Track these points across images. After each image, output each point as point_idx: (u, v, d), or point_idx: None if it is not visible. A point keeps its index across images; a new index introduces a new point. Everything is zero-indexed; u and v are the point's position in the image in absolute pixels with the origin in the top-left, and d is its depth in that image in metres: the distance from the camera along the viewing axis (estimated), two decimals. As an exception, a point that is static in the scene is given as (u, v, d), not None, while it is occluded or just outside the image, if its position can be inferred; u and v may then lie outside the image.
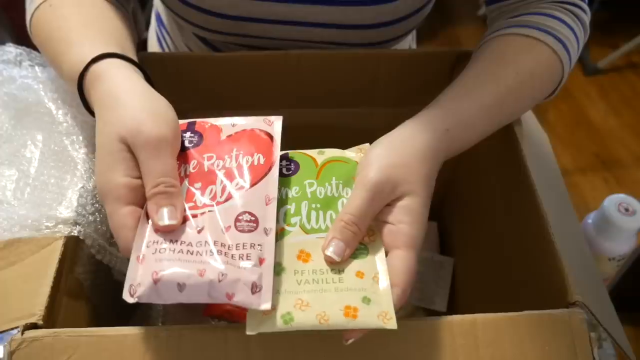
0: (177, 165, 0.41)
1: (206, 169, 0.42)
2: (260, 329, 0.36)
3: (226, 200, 0.40)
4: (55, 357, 0.37)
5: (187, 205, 0.40)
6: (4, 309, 0.40)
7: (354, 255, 0.40)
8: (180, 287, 0.35)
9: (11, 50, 0.55)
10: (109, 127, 0.41)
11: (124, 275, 0.55)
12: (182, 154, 0.43)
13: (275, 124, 0.45)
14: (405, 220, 0.40)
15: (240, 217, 0.39)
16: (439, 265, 0.70)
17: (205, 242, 0.37)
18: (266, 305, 0.35)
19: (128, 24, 0.54)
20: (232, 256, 0.37)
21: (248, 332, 0.36)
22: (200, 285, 0.35)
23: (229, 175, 0.41)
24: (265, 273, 0.37)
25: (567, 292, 0.40)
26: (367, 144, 0.45)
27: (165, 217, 0.38)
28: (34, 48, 0.56)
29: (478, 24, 2.29)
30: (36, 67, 0.55)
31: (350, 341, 0.37)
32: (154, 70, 0.55)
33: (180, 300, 0.35)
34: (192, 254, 0.37)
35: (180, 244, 0.37)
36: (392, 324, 0.36)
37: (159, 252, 0.37)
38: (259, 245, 0.38)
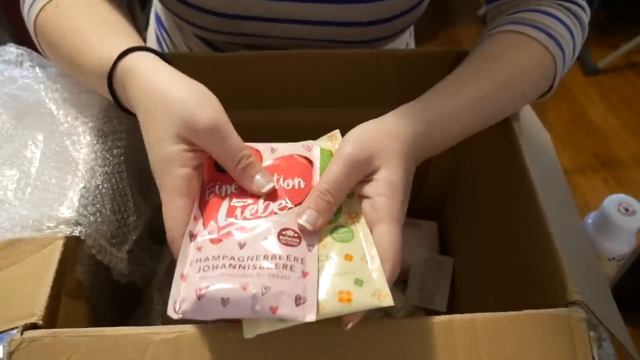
0: (219, 186, 0.43)
1: (247, 191, 0.42)
2: (257, 331, 0.36)
3: (269, 216, 0.40)
4: (55, 357, 0.37)
5: (229, 220, 0.40)
6: (4, 309, 0.40)
7: (340, 239, 0.40)
8: (224, 302, 0.35)
9: (12, 50, 0.55)
10: (161, 119, 0.41)
11: (124, 275, 0.55)
12: (224, 175, 0.43)
13: (314, 150, 0.45)
14: (384, 193, 0.40)
15: (284, 232, 0.39)
16: (439, 265, 0.70)
17: (248, 256, 0.38)
18: (311, 317, 0.35)
19: (133, 23, 0.54)
20: (275, 267, 0.37)
21: (246, 336, 0.36)
22: (243, 300, 0.35)
23: (271, 197, 0.42)
24: (309, 286, 0.37)
25: (566, 291, 0.40)
26: (337, 130, 0.46)
27: (265, 183, 0.41)
28: (35, 48, 0.56)
29: (478, 24, 2.29)
30: (37, 68, 0.55)
31: (350, 325, 0.37)
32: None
33: (224, 316, 0.35)
34: (234, 267, 0.37)
35: (223, 259, 0.37)
36: (387, 300, 0.36)
37: (203, 270, 0.37)
38: (302, 259, 0.38)
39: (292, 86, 0.63)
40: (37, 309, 0.39)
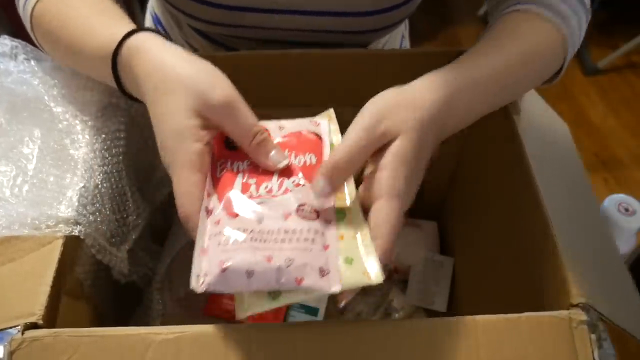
0: (230, 162, 0.43)
1: (260, 168, 0.42)
2: (249, 311, 0.36)
3: (284, 193, 0.40)
4: (55, 357, 0.37)
5: (244, 196, 0.40)
6: (3, 307, 0.40)
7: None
8: (249, 274, 0.35)
9: (6, 42, 0.54)
10: (174, 94, 0.41)
11: (124, 275, 0.55)
12: (235, 152, 0.43)
13: (322, 125, 0.45)
14: (389, 167, 0.40)
15: (301, 207, 0.39)
16: (439, 265, 0.70)
17: (269, 230, 0.37)
18: (335, 288, 0.35)
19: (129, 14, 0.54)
20: (297, 240, 0.37)
21: (238, 317, 0.36)
22: (268, 272, 0.35)
23: (284, 173, 0.42)
24: (331, 258, 0.37)
25: (569, 293, 0.40)
26: (331, 109, 0.47)
27: (280, 159, 0.41)
28: (31, 42, 0.55)
29: (478, 24, 2.29)
30: (32, 61, 0.54)
31: (342, 303, 0.37)
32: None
33: (249, 289, 0.35)
34: (256, 241, 0.37)
35: (244, 232, 0.37)
36: (377, 278, 0.36)
37: (223, 243, 0.37)
38: (322, 232, 0.38)
39: (292, 86, 0.62)
40: (36, 308, 0.39)
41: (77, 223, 0.46)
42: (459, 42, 2.20)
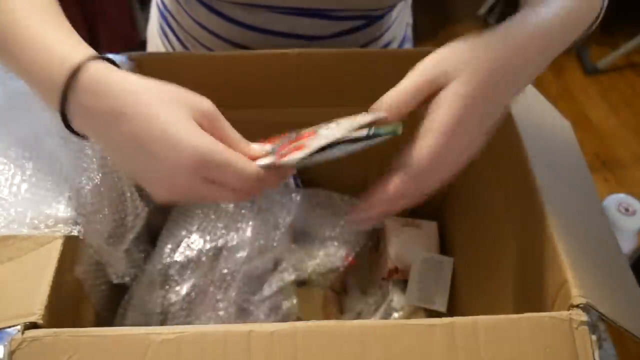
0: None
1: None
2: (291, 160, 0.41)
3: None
4: (55, 357, 0.37)
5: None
6: (2, 306, 0.40)
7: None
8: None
9: None
10: (174, 111, 0.39)
11: (120, 276, 0.55)
12: None
13: None
14: (442, 106, 0.40)
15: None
16: (439, 265, 0.70)
17: None
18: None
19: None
20: None
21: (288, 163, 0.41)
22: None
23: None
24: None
25: (570, 294, 0.40)
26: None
27: (264, 147, 0.44)
28: None
29: (478, 24, 2.29)
30: None
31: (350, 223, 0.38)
32: (154, 70, 0.54)
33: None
34: None
35: None
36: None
37: None
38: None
39: (291, 86, 0.62)
40: (36, 308, 0.39)
41: (76, 223, 0.46)
42: (459, 42, 2.20)
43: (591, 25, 0.53)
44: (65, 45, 0.41)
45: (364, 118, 0.42)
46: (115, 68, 0.41)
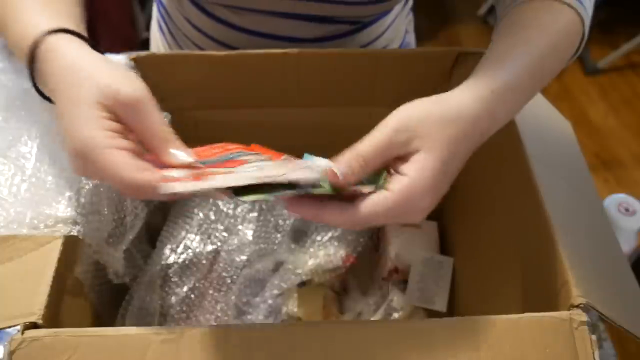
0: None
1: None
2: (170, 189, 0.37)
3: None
4: (55, 357, 0.37)
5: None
6: (2, 306, 0.40)
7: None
8: None
9: (2, 39, 0.54)
10: (82, 95, 0.40)
11: (120, 277, 0.55)
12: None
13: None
14: (411, 175, 0.40)
15: None
16: (439, 265, 0.70)
17: None
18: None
19: None
20: None
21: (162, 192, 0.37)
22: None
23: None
24: None
25: (570, 294, 0.40)
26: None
27: (186, 156, 0.41)
28: None
29: (478, 23, 2.29)
30: None
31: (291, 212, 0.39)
32: (153, 70, 0.54)
33: None
34: None
35: None
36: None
37: None
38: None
39: (291, 86, 0.62)
40: (36, 308, 0.39)
41: (75, 223, 0.46)
42: (460, 42, 2.20)
43: (572, 57, 0.53)
44: (35, 18, 0.45)
45: (309, 174, 0.39)
46: (69, 44, 0.44)
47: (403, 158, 0.41)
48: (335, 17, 0.67)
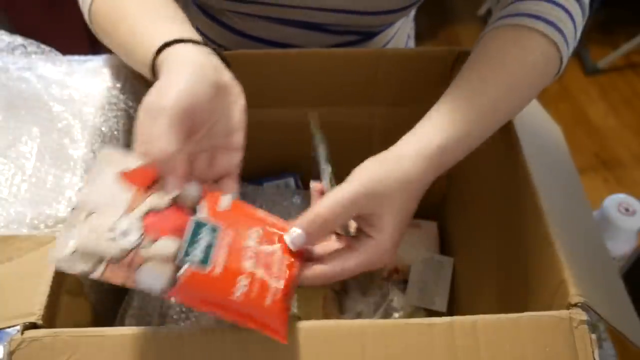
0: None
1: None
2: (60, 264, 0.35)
3: None
4: (55, 357, 0.37)
5: None
6: (2, 306, 0.40)
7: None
8: None
9: (4, 38, 0.54)
10: (187, 67, 0.43)
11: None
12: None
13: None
14: (376, 237, 0.44)
15: None
16: (439, 265, 0.70)
17: None
18: None
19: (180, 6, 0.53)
20: None
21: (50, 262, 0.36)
22: None
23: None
24: None
25: (568, 293, 0.40)
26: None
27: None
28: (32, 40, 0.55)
29: (478, 23, 2.29)
30: (33, 56, 0.54)
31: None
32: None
33: None
34: None
35: None
36: None
37: None
38: None
39: (292, 86, 0.62)
40: (36, 308, 0.39)
41: (76, 223, 0.46)
42: (459, 42, 2.20)
43: (550, 81, 0.53)
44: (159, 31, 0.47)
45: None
46: (184, 49, 0.45)
47: (364, 215, 0.44)
48: (348, 27, 0.67)
